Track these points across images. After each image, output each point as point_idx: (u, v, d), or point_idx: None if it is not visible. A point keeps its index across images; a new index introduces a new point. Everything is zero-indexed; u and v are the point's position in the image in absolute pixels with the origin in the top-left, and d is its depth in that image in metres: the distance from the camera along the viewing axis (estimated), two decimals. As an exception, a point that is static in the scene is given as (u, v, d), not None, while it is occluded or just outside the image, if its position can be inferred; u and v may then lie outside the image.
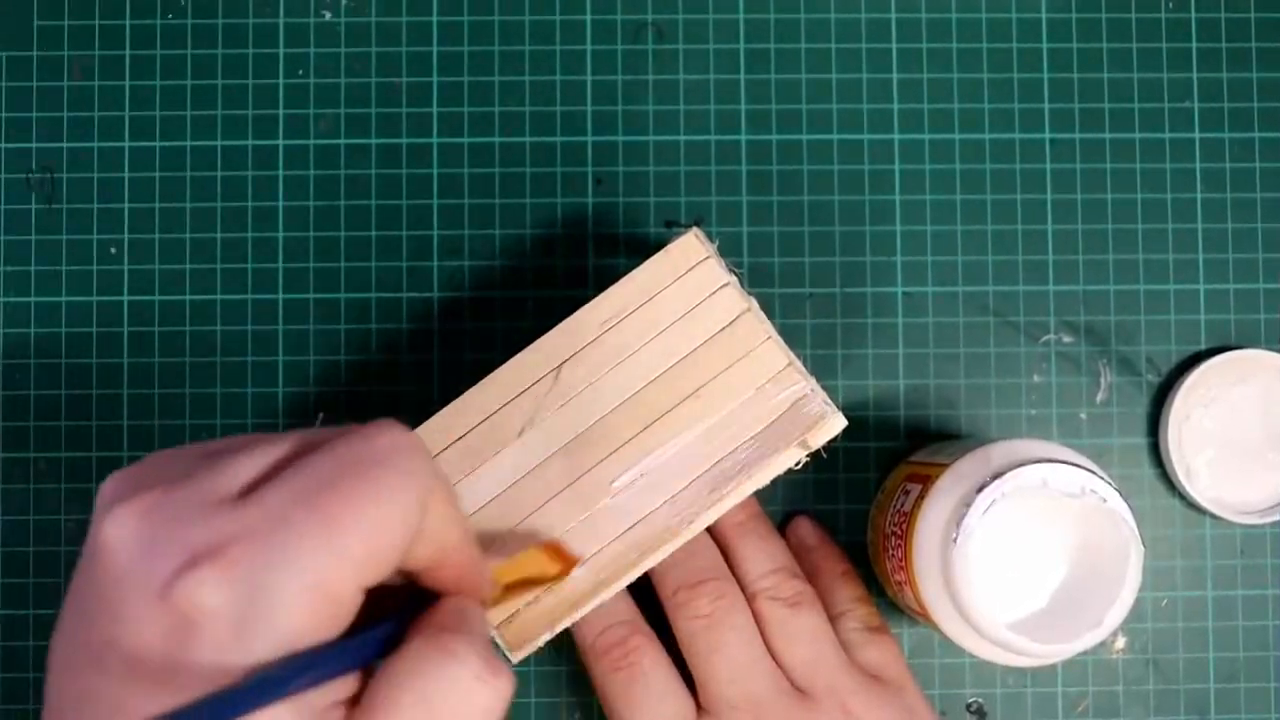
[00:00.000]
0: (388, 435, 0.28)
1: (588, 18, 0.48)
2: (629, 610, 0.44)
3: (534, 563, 0.39)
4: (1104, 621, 0.37)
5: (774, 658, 0.42)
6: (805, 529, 0.47)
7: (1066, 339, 0.48)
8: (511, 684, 0.29)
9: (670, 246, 0.41)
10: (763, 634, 0.42)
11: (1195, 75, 0.48)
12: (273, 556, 0.26)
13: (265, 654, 0.26)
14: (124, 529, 0.27)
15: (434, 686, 0.28)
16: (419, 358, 0.47)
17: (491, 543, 0.40)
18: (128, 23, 0.48)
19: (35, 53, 0.48)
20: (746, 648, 0.42)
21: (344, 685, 0.28)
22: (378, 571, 0.27)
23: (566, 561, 0.40)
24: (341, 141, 0.47)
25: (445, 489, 0.29)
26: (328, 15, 0.48)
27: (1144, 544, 0.38)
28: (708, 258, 0.41)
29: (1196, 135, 0.48)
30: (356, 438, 0.28)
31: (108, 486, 0.29)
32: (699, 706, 0.42)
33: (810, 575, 0.45)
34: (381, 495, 0.27)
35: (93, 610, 0.27)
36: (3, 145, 0.47)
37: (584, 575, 0.40)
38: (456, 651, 0.28)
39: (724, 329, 0.41)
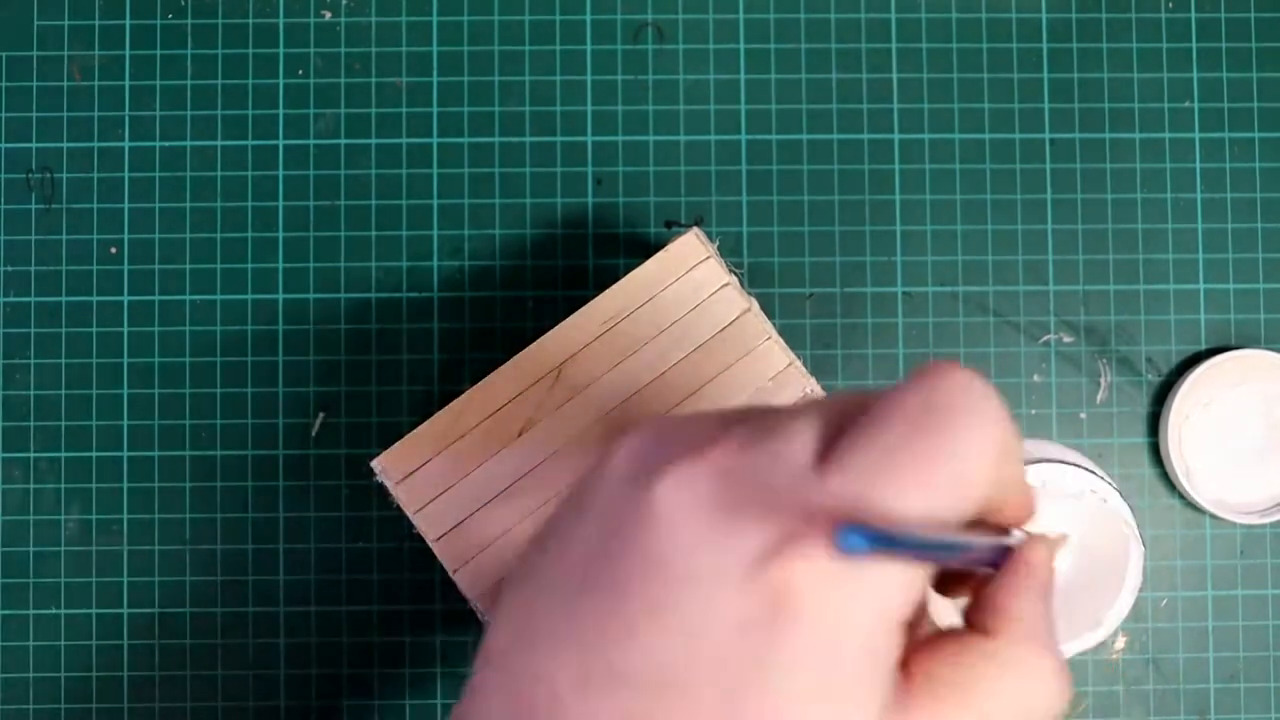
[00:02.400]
0: (955, 379, 0.26)
1: (588, 18, 0.48)
2: None
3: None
4: (1104, 621, 0.37)
5: None
6: None
7: (1067, 339, 0.48)
8: (1069, 690, 0.28)
9: (670, 246, 0.41)
10: None
11: (1195, 75, 0.48)
12: (894, 468, 0.24)
13: (855, 646, 0.24)
14: (693, 497, 0.24)
15: (1013, 692, 0.27)
16: (419, 357, 0.47)
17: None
18: (127, 23, 0.48)
19: (35, 53, 0.48)
20: None
21: (908, 607, 0.26)
22: (955, 523, 0.26)
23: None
24: (341, 141, 0.47)
25: (1011, 425, 0.27)
26: (328, 15, 0.48)
27: (1144, 544, 0.38)
28: (708, 258, 0.41)
29: (1196, 135, 0.48)
30: (925, 388, 0.26)
31: (637, 446, 0.26)
32: None
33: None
34: (973, 447, 0.25)
35: (626, 582, 0.24)
36: (3, 145, 0.47)
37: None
38: (1047, 665, 0.27)
39: (724, 329, 0.41)
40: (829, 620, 0.24)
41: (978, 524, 0.29)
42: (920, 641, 0.27)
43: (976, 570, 0.28)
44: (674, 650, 0.23)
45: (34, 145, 0.47)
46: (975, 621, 0.28)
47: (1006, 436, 0.26)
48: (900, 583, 0.24)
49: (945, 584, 0.30)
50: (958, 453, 0.25)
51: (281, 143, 0.47)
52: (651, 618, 0.24)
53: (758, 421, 0.26)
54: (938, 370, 0.26)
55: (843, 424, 0.26)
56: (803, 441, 0.25)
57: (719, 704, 0.23)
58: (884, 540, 0.23)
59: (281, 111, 0.48)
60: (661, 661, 0.24)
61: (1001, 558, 0.29)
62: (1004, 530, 0.29)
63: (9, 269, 0.47)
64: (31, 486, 0.47)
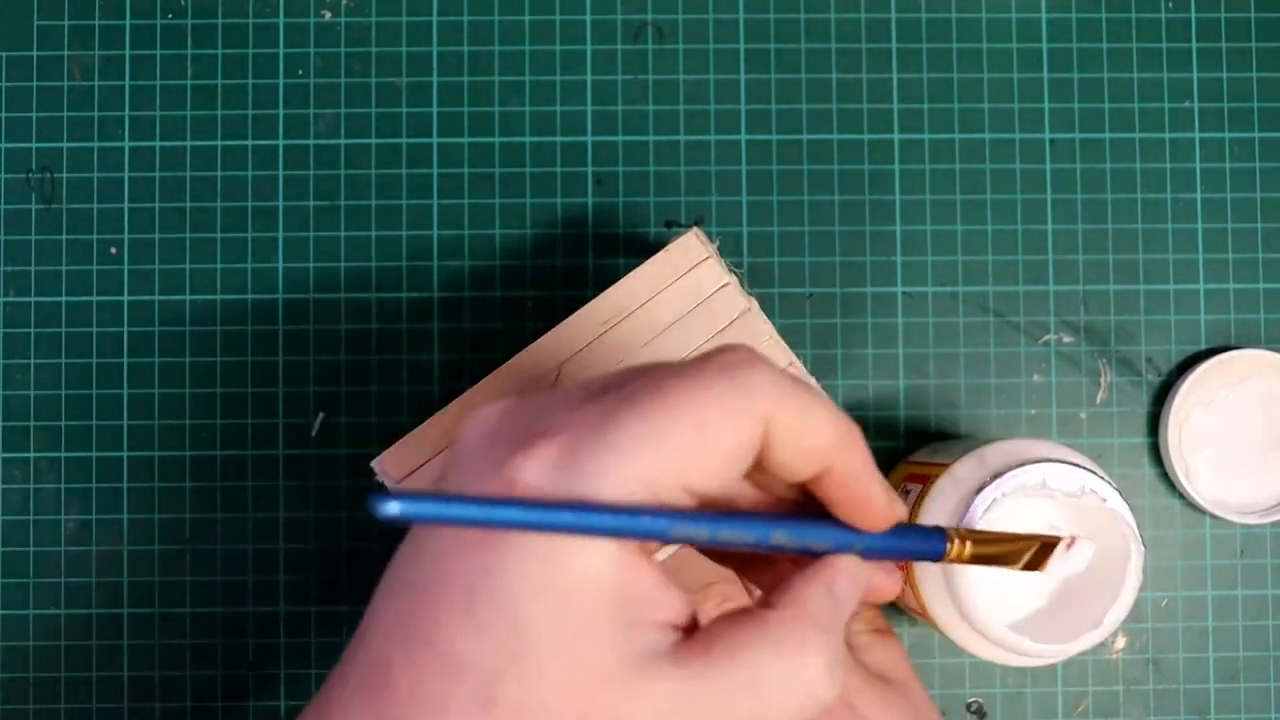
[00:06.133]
0: (725, 352, 0.29)
1: (588, 18, 0.48)
2: None
3: (1017, 547, 0.36)
4: (1104, 621, 0.37)
5: None
6: None
7: (1066, 339, 0.48)
8: (839, 691, 0.29)
9: (670, 246, 0.41)
10: None
11: (1195, 75, 0.48)
12: (599, 448, 0.27)
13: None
14: (482, 423, 0.29)
15: (776, 667, 0.28)
16: (419, 357, 0.47)
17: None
18: (127, 22, 0.48)
19: (35, 52, 0.48)
20: None
21: (675, 608, 0.29)
22: (707, 482, 0.28)
23: (1042, 563, 0.38)
24: (341, 141, 0.47)
25: (797, 399, 0.29)
26: (328, 15, 0.48)
27: (1144, 544, 0.38)
28: (708, 258, 0.41)
29: (1196, 135, 0.48)
30: (700, 357, 0.29)
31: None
32: None
33: (814, 576, 0.45)
34: (723, 402, 0.27)
35: (443, 487, 0.29)
36: (3, 145, 0.47)
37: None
38: (815, 648, 0.29)
39: (724, 329, 0.41)
40: (545, 536, 0.27)
41: (812, 509, 0.31)
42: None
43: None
44: (432, 556, 0.28)
45: (34, 145, 0.47)
46: (766, 599, 0.30)
47: (776, 405, 0.28)
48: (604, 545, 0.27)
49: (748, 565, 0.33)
50: (698, 403, 0.27)
51: (281, 143, 0.47)
52: (429, 531, 0.28)
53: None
54: (722, 347, 0.29)
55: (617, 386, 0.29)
56: (571, 391, 0.29)
57: (461, 599, 0.27)
58: (424, 508, 0.25)
59: (281, 111, 0.48)
60: (424, 567, 0.28)
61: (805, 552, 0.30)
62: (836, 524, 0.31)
63: (9, 269, 0.47)
64: (31, 486, 0.47)
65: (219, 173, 0.47)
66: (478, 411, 0.29)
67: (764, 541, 0.29)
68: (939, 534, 0.32)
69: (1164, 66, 0.48)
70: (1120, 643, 0.47)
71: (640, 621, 0.28)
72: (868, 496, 0.30)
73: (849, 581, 0.30)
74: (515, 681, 0.27)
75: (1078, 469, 0.37)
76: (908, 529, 0.32)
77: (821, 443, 0.29)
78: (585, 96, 0.48)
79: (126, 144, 0.47)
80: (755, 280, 0.47)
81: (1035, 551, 0.35)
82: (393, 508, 0.25)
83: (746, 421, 0.28)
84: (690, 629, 0.29)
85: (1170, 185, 0.48)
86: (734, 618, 0.29)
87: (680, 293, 0.41)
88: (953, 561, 0.34)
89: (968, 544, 0.33)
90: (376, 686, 0.28)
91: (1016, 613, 0.39)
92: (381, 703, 0.28)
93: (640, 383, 0.28)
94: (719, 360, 0.28)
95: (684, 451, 0.27)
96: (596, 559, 0.27)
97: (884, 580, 0.34)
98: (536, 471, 0.27)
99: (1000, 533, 0.34)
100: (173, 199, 0.47)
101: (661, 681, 0.27)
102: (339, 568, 0.47)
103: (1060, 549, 0.35)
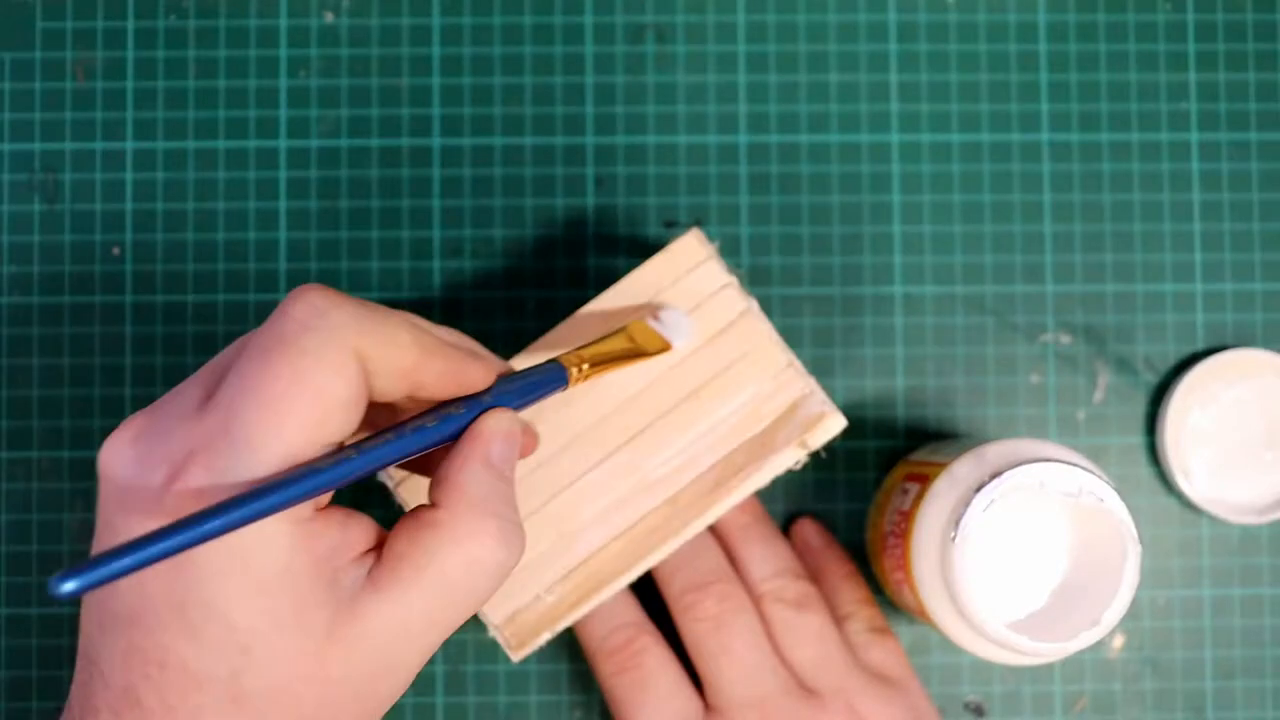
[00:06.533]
0: (300, 302, 0.30)
1: (588, 20, 0.48)
2: (635, 611, 0.44)
3: (618, 343, 0.39)
4: (1101, 620, 0.38)
5: (780, 658, 0.42)
6: (810, 531, 0.47)
7: (1064, 339, 0.48)
8: (523, 543, 0.31)
9: (670, 247, 0.41)
10: (769, 635, 0.43)
11: (1192, 77, 0.48)
12: (238, 448, 0.28)
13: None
14: (117, 455, 0.30)
15: (456, 562, 0.30)
16: (420, 358, 0.47)
17: None
18: (130, 24, 0.48)
19: (38, 54, 0.48)
20: (754, 649, 0.42)
21: (363, 535, 0.31)
22: (343, 422, 0.30)
23: (657, 343, 0.40)
24: (343, 143, 0.48)
25: (379, 326, 0.30)
26: (330, 17, 0.48)
27: (1141, 543, 0.38)
28: (708, 258, 0.41)
29: (1193, 137, 0.48)
30: (275, 317, 0.30)
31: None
32: (706, 707, 0.42)
33: (814, 577, 0.45)
34: (319, 357, 0.29)
35: (100, 538, 0.30)
36: (6, 146, 0.48)
37: (585, 574, 0.40)
38: (485, 531, 0.31)
39: (724, 329, 0.41)
40: (224, 540, 0.28)
41: (439, 405, 0.32)
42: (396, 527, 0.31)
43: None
44: (133, 587, 0.29)
45: (37, 146, 0.48)
46: (431, 496, 0.32)
47: (363, 339, 0.30)
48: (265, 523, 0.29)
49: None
50: (301, 368, 0.29)
51: (283, 144, 0.48)
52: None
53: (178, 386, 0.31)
54: (291, 296, 0.30)
55: (227, 370, 0.30)
56: (188, 394, 0.30)
57: (174, 619, 0.29)
58: (97, 574, 0.26)
59: (283, 113, 0.48)
60: (130, 599, 0.29)
61: (452, 434, 0.32)
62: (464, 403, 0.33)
63: (12, 269, 0.47)
64: (35, 486, 0.47)
65: (221, 174, 0.48)
66: (111, 447, 0.30)
67: (409, 450, 0.31)
68: (556, 365, 0.35)
69: (1161, 68, 0.48)
70: (1118, 641, 0.47)
71: (338, 569, 0.30)
72: (464, 374, 0.32)
73: (502, 442, 0.32)
74: (253, 673, 0.29)
75: (1075, 469, 0.38)
76: (526, 375, 0.34)
77: (409, 361, 0.31)
78: (586, 98, 0.48)
79: (129, 145, 0.48)
80: (755, 281, 0.48)
81: (638, 337, 0.39)
82: (69, 585, 0.25)
83: (344, 365, 0.29)
84: (379, 545, 0.31)
85: (1168, 186, 0.48)
86: (411, 528, 0.31)
87: (680, 293, 0.41)
88: (581, 381, 0.36)
89: (585, 365, 0.36)
90: (130, 707, 0.29)
91: (1014, 611, 0.40)
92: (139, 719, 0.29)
93: (241, 366, 0.29)
94: (296, 316, 0.30)
95: (303, 415, 0.29)
96: (277, 539, 0.29)
97: (528, 435, 0.37)
98: (193, 495, 0.28)
99: (600, 339, 0.38)
100: (175, 200, 0.48)
101: (373, 614, 0.30)
102: (340, 567, 0.47)
103: (651, 323, 0.39)
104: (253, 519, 0.27)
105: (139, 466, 0.29)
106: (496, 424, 0.32)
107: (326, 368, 0.29)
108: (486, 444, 0.32)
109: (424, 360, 0.31)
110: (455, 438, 0.32)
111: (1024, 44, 0.48)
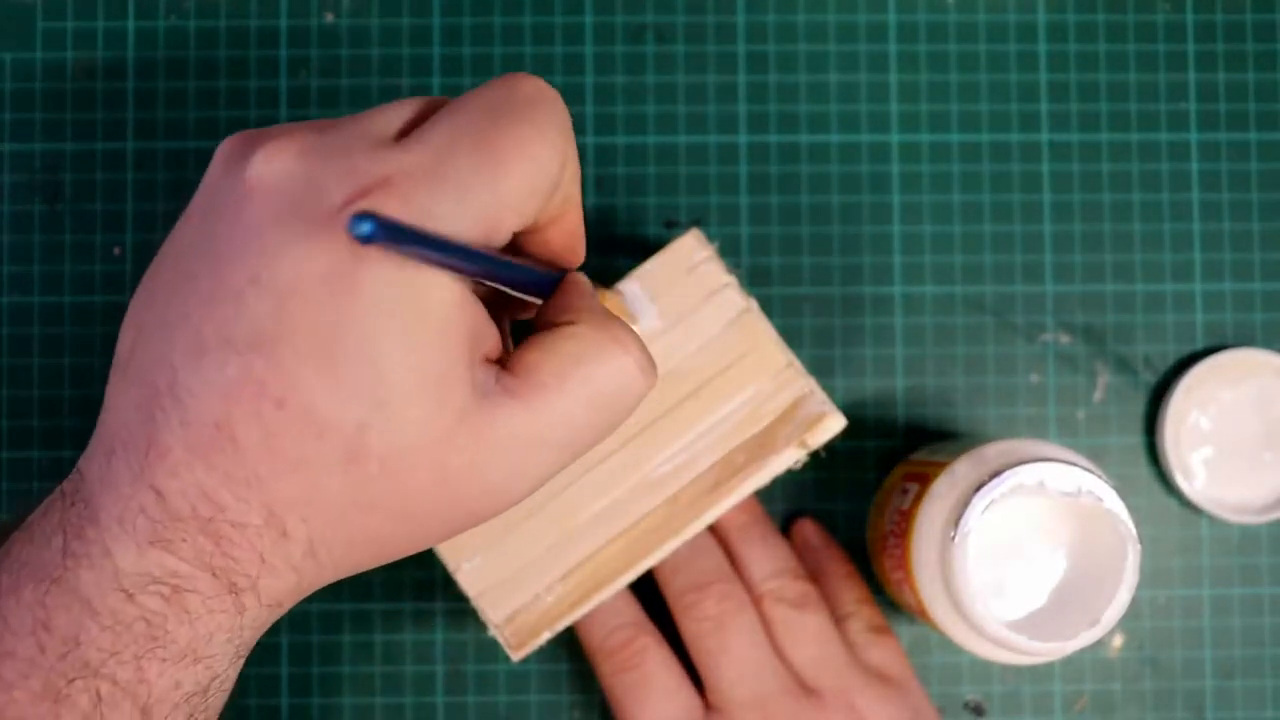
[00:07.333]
0: (531, 82, 0.28)
1: (588, 20, 0.48)
2: (635, 611, 0.44)
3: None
4: (1101, 620, 0.38)
5: (781, 658, 0.42)
6: (809, 531, 0.47)
7: (1064, 339, 0.48)
8: (654, 377, 0.30)
9: (670, 247, 0.41)
10: (769, 635, 0.43)
11: (1192, 77, 0.48)
12: (445, 190, 0.26)
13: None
14: (281, 166, 0.26)
15: (602, 371, 0.29)
16: (420, 358, 0.47)
17: None
18: (130, 25, 0.48)
19: (39, 54, 0.48)
20: (754, 648, 0.42)
21: (494, 339, 0.29)
22: (532, 212, 0.28)
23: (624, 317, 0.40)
24: (343, 143, 0.48)
25: (573, 145, 0.29)
26: (330, 17, 0.48)
27: (1141, 543, 0.38)
28: (708, 258, 0.41)
29: (1193, 137, 0.48)
30: (502, 85, 0.28)
31: (232, 141, 0.28)
32: (707, 706, 0.42)
33: (814, 576, 0.45)
34: (542, 134, 0.27)
35: (228, 254, 0.26)
36: (6, 147, 0.48)
37: (585, 574, 0.40)
38: (626, 343, 0.29)
39: (724, 329, 0.41)
40: (401, 274, 0.25)
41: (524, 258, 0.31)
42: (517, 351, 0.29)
43: (527, 299, 0.31)
44: (271, 310, 0.25)
45: (37, 146, 0.48)
46: (552, 321, 0.30)
47: (570, 143, 0.29)
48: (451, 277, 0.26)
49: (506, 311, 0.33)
50: (535, 136, 0.27)
51: (283, 144, 0.48)
52: (251, 284, 0.26)
53: (354, 116, 0.28)
54: (516, 76, 0.28)
55: (431, 112, 0.28)
56: (386, 119, 0.28)
57: (315, 352, 0.25)
58: (401, 234, 0.24)
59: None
60: (262, 323, 0.25)
61: (548, 289, 0.31)
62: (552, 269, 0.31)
63: (12, 269, 0.47)
64: (35, 486, 0.47)
65: (221, 174, 0.48)
66: (273, 158, 0.26)
67: (538, 281, 0.30)
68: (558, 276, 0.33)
69: (1161, 68, 0.48)
70: (1117, 641, 0.47)
71: (480, 358, 0.28)
72: (580, 241, 0.32)
73: (593, 295, 0.31)
74: (378, 432, 0.26)
75: (1075, 468, 0.38)
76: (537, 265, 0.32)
77: (575, 193, 0.30)
78: (586, 98, 0.48)
79: (130, 145, 0.48)
80: (754, 281, 0.48)
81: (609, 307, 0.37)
82: (366, 227, 0.23)
83: (559, 151, 0.28)
84: (502, 361, 0.29)
85: (1167, 186, 0.48)
86: (546, 340, 0.29)
87: (680, 293, 0.41)
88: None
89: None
90: (218, 448, 0.26)
91: (1014, 611, 0.40)
92: (231, 464, 0.26)
93: (459, 117, 0.27)
94: (525, 90, 0.28)
95: (519, 181, 0.27)
96: (450, 295, 0.26)
97: None
98: (418, 154, 0.26)
99: None
100: (176, 200, 0.48)
101: (507, 416, 0.28)
102: (341, 567, 0.47)
103: (619, 300, 0.39)
104: (467, 267, 0.25)
105: (311, 181, 0.26)
106: (589, 283, 0.32)
107: (548, 147, 0.27)
108: (591, 291, 0.31)
109: (577, 203, 0.30)
110: (549, 289, 0.31)
111: (1024, 44, 0.48)
